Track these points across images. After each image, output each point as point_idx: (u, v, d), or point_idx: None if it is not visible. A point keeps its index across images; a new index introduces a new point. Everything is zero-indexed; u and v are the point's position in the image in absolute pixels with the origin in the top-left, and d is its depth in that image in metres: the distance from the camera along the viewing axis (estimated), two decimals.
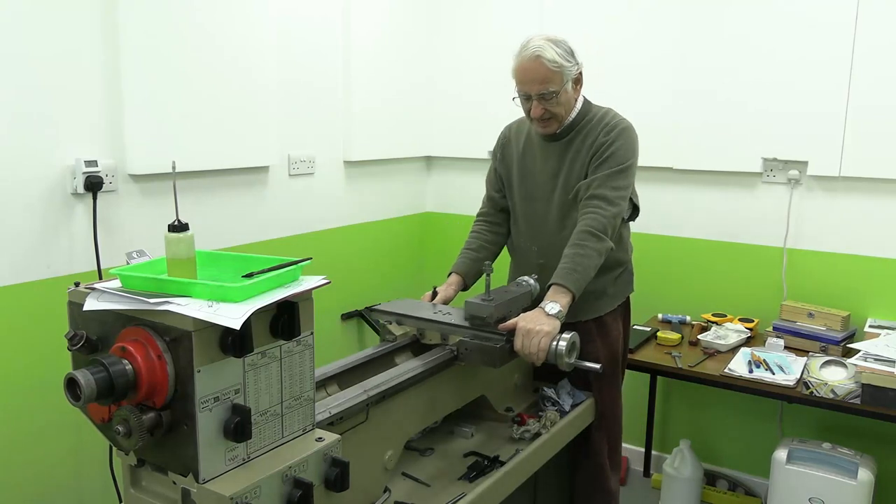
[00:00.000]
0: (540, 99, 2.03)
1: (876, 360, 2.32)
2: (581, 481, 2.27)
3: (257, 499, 1.19)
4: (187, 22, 2.43)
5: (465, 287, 2.26)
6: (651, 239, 3.11)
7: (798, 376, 2.47)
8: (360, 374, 1.77)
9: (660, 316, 3.12)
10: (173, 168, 1.36)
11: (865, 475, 2.44)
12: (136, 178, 2.37)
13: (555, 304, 1.87)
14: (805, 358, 2.60)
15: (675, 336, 2.84)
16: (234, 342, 1.16)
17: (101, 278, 2.01)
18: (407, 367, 1.75)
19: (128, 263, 1.32)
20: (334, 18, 3.08)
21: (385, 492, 1.65)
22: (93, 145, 2.24)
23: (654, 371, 2.76)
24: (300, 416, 1.34)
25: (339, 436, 1.36)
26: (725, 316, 2.98)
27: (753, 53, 2.84)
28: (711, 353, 2.73)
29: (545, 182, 2.17)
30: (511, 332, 1.85)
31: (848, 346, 2.60)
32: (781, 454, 2.59)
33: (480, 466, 1.83)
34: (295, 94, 2.93)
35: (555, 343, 1.82)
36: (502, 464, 1.83)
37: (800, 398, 2.42)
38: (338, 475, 1.31)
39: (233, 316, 1.13)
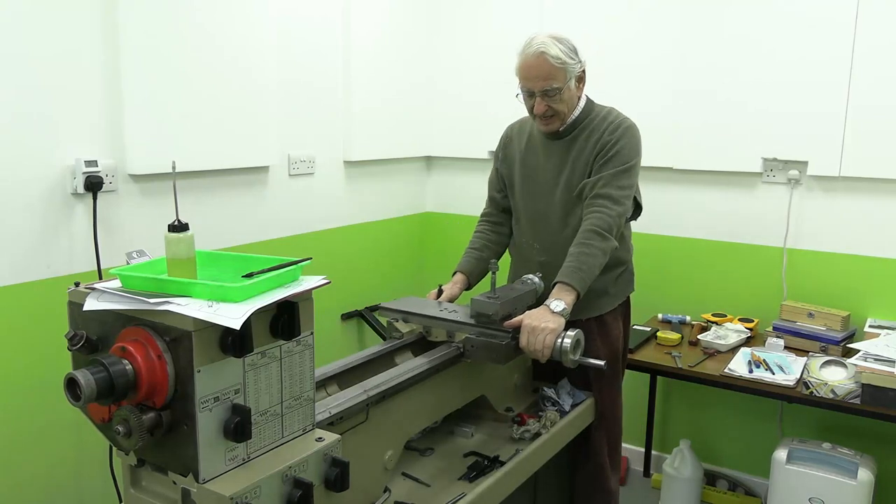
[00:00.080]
0: (543, 95, 2.04)
1: (876, 360, 2.32)
2: (581, 481, 2.27)
3: (257, 499, 1.19)
4: (187, 22, 2.43)
5: (468, 286, 2.28)
6: (651, 239, 3.11)
7: (798, 376, 2.47)
8: (360, 374, 1.77)
9: (660, 316, 3.12)
10: (173, 168, 1.36)
11: (865, 475, 2.44)
12: (136, 178, 2.37)
13: (560, 302, 1.89)
14: (805, 358, 2.60)
15: (675, 336, 2.84)
16: (234, 342, 1.16)
17: (101, 278, 2.01)
18: (407, 366, 1.75)
19: (128, 263, 1.32)
20: (334, 18, 3.08)
21: (385, 492, 1.65)
22: (93, 145, 2.24)
23: (654, 371, 2.76)
24: (300, 416, 1.34)
25: (339, 436, 1.36)
26: (725, 316, 2.98)
27: (753, 53, 2.84)
28: (711, 353, 2.73)
29: (548, 180, 2.18)
30: (517, 330, 1.88)
31: (848, 346, 2.60)
32: (781, 454, 2.59)
33: (480, 466, 1.83)
34: (295, 94, 2.93)
35: (560, 340, 1.84)
36: (502, 464, 1.83)
37: (800, 398, 2.42)
38: (338, 475, 1.31)
39: (233, 316, 1.13)
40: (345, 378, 1.74)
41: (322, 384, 1.67)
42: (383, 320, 3.33)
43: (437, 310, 2.03)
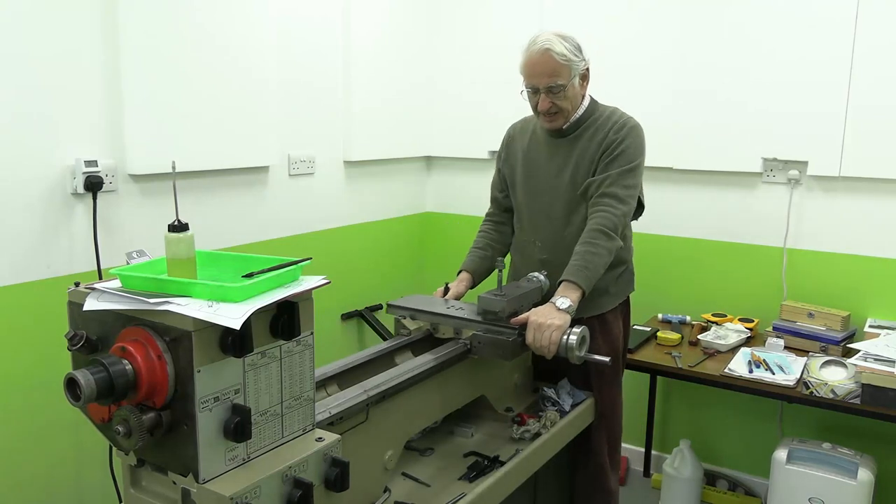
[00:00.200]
0: (548, 92, 2.05)
1: (876, 360, 2.32)
2: (581, 481, 2.27)
3: (257, 499, 1.19)
4: (187, 22, 2.43)
5: (473, 284, 2.30)
6: (651, 239, 3.11)
7: (798, 376, 2.47)
8: (360, 374, 1.77)
9: (660, 316, 3.12)
10: (173, 168, 1.36)
11: (865, 475, 2.44)
12: (136, 178, 2.37)
13: (565, 299, 1.92)
14: (805, 358, 2.60)
15: (675, 336, 2.84)
16: (234, 342, 1.16)
17: (101, 278, 2.01)
18: (407, 366, 1.75)
19: (128, 263, 1.32)
20: (334, 18, 3.08)
21: (385, 492, 1.65)
22: (93, 145, 2.24)
23: (654, 371, 2.76)
24: (300, 416, 1.34)
25: (339, 436, 1.36)
26: (725, 316, 2.98)
27: (753, 53, 2.84)
28: (711, 353, 2.73)
29: (551, 178, 2.18)
30: (523, 326, 1.90)
31: (848, 346, 2.60)
32: (781, 454, 2.59)
33: (480, 466, 1.83)
34: (295, 94, 2.93)
35: (566, 337, 1.86)
36: (502, 464, 1.83)
37: (800, 398, 2.42)
38: (338, 475, 1.31)
39: (233, 316, 1.13)
40: (345, 378, 1.74)
41: (322, 384, 1.67)
42: (385, 320, 3.36)
43: (444, 307, 2.06)
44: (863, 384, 2.29)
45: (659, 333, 2.87)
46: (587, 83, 2.14)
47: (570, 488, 2.29)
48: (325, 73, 3.07)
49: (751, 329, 2.87)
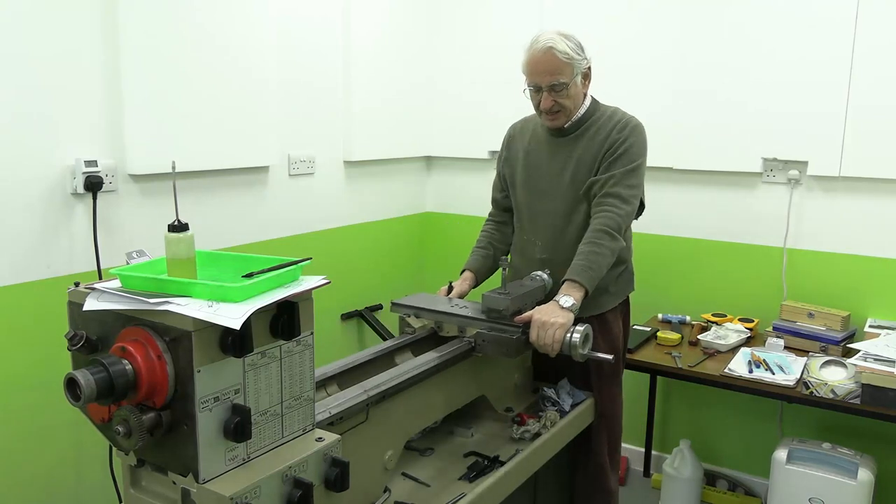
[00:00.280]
0: (550, 90, 2.06)
1: (876, 360, 2.32)
2: (581, 481, 2.27)
3: (257, 499, 1.19)
4: (187, 22, 2.43)
5: (476, 283, 2.31)
6: (651, 239, 3.11)
7: (798, 376, 2.47)
8: (360, 374, 1.77)
9: (660, 316, 3.12)
10: (173, 168, 1.36)
11: (865, 475, 2.44)
12: (136, 178, 2.37)
13: (569, 298, 1.93)
14: (805, 358, 2.60)
15: (675, 336, 2.84)
16: (234, 342, 1.16)
17: (101, 278, 2.01)
18: (407, 366, 1.75)
19: (128, 263, 1.32)
20: (334, 18, 3.08)
21: (385, 492, 1.65)
22: (93, 145, 2.24)
23: (654, 371, 2.76)
24: (300, 416, 1.34)
25: (339, 436, 1.36)
26: (725, 316, 2.98)
27: (753, 53, 2.84)
28: (711, 353, 2.73)
29: (552, 177, 2.19)
30: (527, 325, 1.91)
31: (848, 346, 2.60)
32: (781, 454, 2.59)
33: (480, 466, 1.83)
34: (295, 94, 2.93)
35: (569, 335, 1.88)
36: (502, 464, 1.83)
37: (800, 398, 2.42)
38: (338, 475, 1.31)
39: (233, 316, 1.13)
40: (345, 378, 1.74)
41: (322, 384, 1.67)
42: (385, 320, 3.36)
43: (448, 306, 2.07)
44: (863, 384, 2.29)
45: (659, 333, 2.87)
46: (589, 82, 2.15)
47: (570, 488, 2.29)
48: (325, 73, 3.07)
49: (751, 329, 2.87)
